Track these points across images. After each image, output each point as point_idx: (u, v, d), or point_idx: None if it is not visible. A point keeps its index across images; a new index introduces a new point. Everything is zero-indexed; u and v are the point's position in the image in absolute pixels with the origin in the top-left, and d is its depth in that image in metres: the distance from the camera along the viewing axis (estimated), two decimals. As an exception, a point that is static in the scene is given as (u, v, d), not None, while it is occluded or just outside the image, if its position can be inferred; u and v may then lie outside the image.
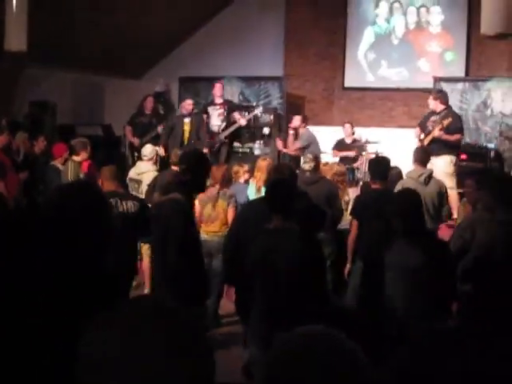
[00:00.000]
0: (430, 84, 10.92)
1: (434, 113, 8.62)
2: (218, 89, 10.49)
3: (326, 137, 10.41)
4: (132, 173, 7.83)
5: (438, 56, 12.05)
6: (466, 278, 4.29)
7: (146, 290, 6.18)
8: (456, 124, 8.46)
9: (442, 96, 8.78)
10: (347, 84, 12.66)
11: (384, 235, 4.41)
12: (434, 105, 8.63)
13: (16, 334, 1.78)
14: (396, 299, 4.01)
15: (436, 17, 12.03)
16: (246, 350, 4.52)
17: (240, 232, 4.52)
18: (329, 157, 9.66)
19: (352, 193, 7.10)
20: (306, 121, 10.08)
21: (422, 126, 8.62)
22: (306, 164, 6.29)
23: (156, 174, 7.41)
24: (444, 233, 6.41)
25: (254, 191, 6.63)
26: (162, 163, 8.81)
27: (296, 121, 9.98)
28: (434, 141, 8.25)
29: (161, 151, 9.32)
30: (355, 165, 9.94)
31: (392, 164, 6.28)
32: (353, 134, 10.48)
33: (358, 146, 10.22)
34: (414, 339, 1.30)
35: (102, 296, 1.85)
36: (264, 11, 12.56)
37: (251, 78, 12.19)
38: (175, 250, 3.97)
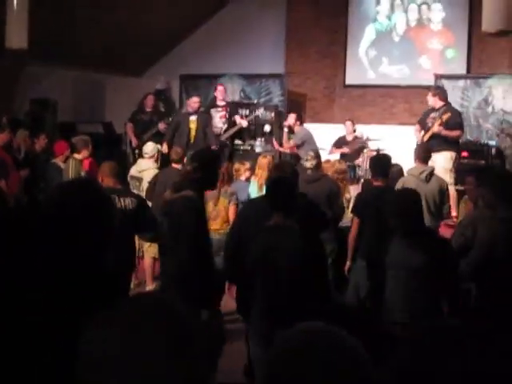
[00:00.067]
0: (431, 81, 10.87)
1: (433, 109, 8.60)
2: (220, 92, 10.47)
3: (327, 134, 10.41)
4: (133, 170, 7.83)
5: (439, 53, 12.03)
6: (467, 275, 4.29)
7: (147, 288, 6.18)
8: (455, 119, 8.44)
9: (441, 92, 8.76)
10: (348, 81, 12.65)
11: (385, 233, 4.40)
12: (433, 101, 8.61)
13: (16, 332, 1.78)
14: (397, 298, 4.00)
15: (437, 14, 12.02)
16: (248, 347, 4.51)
17: (241, 230, 4.51)
18: (324, 154, 9.62)
19: (353, 190, 7.09)
20: (300, 119, 10.07)
21: (422, 123, 8.60)
22: (307, 162, 6.24)
23: (157, 171, 7.42)
24: (443, 232, 6.39)
25: (255, 189, 6.62)
26: (165, 161, 8.78)
27: (290, 119, 9.96)
28: (434, 136, 8.23)
29: (164, 148, 9.25)
30: (356, 162, 9.93)
31: (393, 161, 6.26)
32: (354, 131, 10.48)
33: (359, 143, 10.21)
34: (415, 337, 1.29)
35: (102, 294, 1.85)
36: (265, 9, 12.55)
37: (252, 76, 12.16)
38: (187, 247, 3.91)
